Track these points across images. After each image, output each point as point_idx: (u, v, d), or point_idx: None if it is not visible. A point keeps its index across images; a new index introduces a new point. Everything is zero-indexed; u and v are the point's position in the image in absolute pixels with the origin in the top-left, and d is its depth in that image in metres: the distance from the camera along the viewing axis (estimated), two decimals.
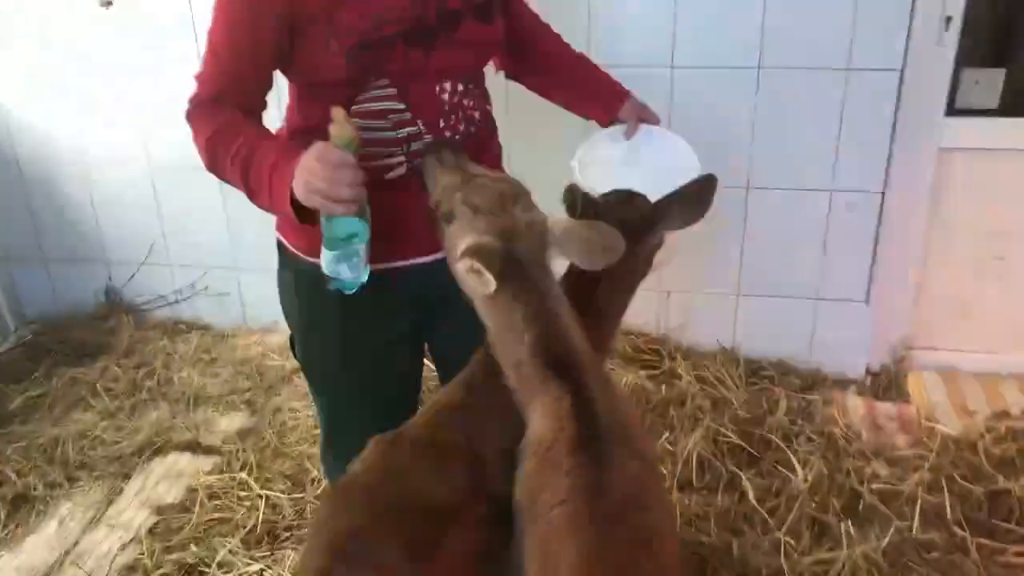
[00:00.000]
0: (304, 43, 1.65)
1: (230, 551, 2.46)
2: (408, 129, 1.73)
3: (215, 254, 3.55)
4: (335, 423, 2.03)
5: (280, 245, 1.92)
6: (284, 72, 1.74)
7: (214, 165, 1.67)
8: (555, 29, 2.13)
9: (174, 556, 2.50)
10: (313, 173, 1.49)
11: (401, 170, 1.76)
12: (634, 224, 1.70)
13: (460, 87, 1.78)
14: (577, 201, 1.73)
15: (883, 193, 2.99)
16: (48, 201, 3.58)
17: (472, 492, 1.55)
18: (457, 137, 1.78)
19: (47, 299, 3.74)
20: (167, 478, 2.83)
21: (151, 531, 2.62)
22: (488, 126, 1.91)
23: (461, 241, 1.46)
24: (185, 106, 1.69)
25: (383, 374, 1.94)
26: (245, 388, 3.26)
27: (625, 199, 1.76)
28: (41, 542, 2.61)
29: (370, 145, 1.69)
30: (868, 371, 3.25)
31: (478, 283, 1.41)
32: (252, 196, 1.65)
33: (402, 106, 1.72)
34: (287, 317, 1.99)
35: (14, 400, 3.19)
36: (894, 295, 3.15)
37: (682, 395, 3.00)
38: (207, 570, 2.43)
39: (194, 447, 2.96)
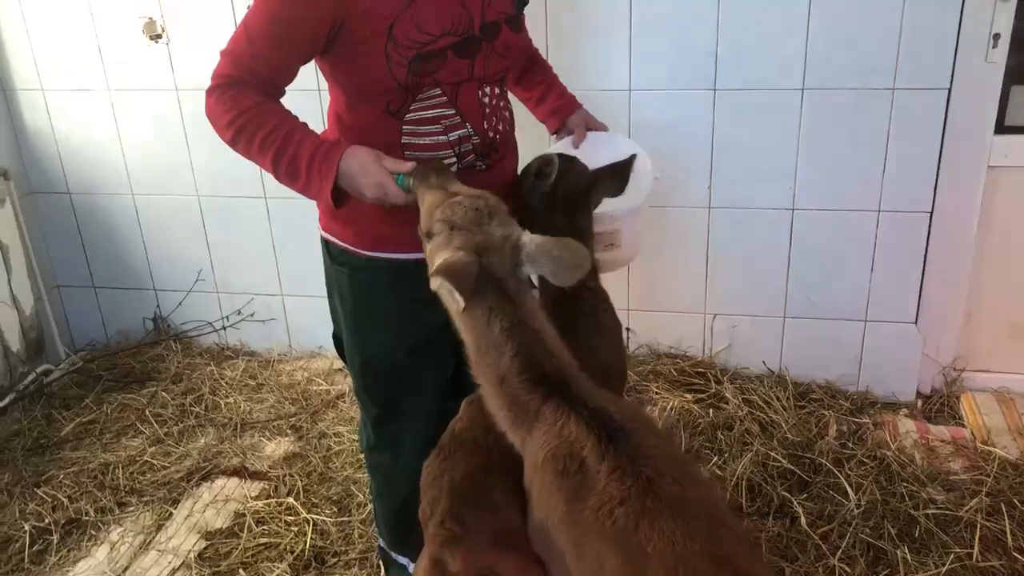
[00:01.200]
0: (361, 52, 1.73)
1: None
2: (459, 132, 1.87)
3: (261, 281, 3.59)
4: (390, 413, 2.09)
5: (328, 244, 1.99)
6: (333, 79, 1.83)
7: (235, 143, 1.75)
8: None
9: None
10: (366, 190, 1.70)
11: (453, 168, 1.88)
12: (576, 187, 2.04)
13: (497, 91, 1.94)
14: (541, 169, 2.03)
15: (931, 212, 2.94)
16: (97, 229, 3.64)
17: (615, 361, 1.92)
18: (497, 136, 1.94)
19: (96, 326, 3.80)
20: (215, 503, 2.84)
21: (200, 556, 2.63)
22: (513, 124, 2.07)
23: (437, 258, 1.52)
24: (209, 81, 1.75)
25: (439, 357, 2.02)
26: (291, 413, 3.27)
27: (569, 161, 2.05)
28: (93, 567, 2.63)
29: (425, 149, 1.85)
30: (919, 394, 3.20)
31: (449, 301, 1.48)
32: (282, 180, 1.77)
33: (452, 111, 1.85)
34: (338, 315, 2.06)
35: (66, 426, 3.24)
36: (944, 316, 3.10)
37: (730, 419, 2.96)
38: None
39: (241, 472, 2.98)
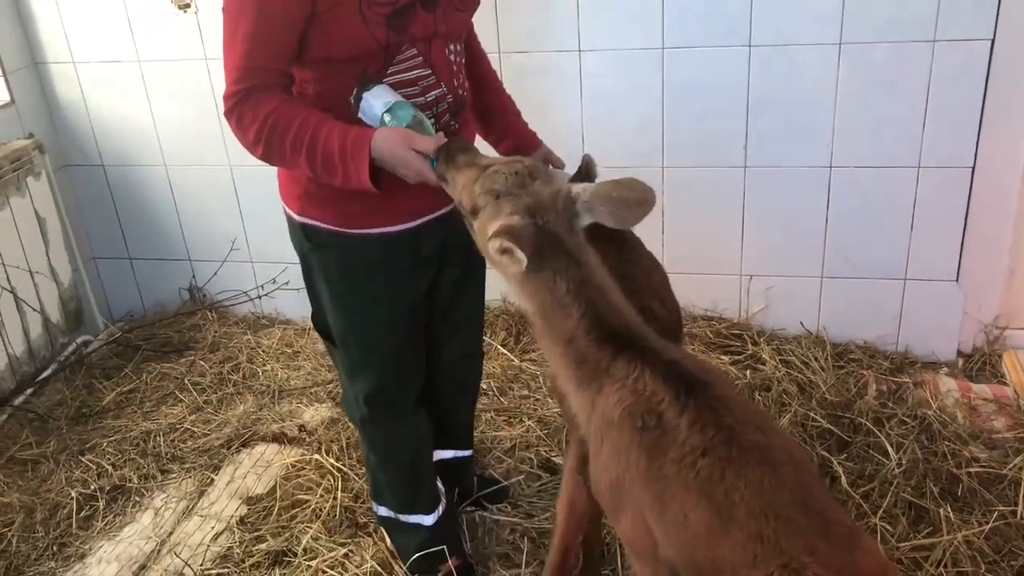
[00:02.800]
0: (336, 16, 1.70)
1: (312, 537, 2.50)
2: (435, 92, 1.87)
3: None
4: (391, 382, 2.13)
5: (305, 228, 1.98)
6: (301, 56, 1.77)
7: (269, 154, 1.75)
8: None
9: (263, 545, 2.54)
10: (407, 179, 1.72)
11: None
12: None
13: (459, 47, 1.93)
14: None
15: (973, 168, 2.88)
16: (131, 201, 3.66)
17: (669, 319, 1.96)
18: (465, 93, 1.95)
19: (133, 298, 3.84)
20: (255, 469, 2.88)
21: (242, 521, 2.66)
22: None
23: (489, 228, 1.48)
24: (223, 105, 1.74)
25: (417, 322, 2.10)
26: (328, 380, 3.29)
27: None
28: (138, 532, 2.67)
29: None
30: (960, 353, 3.16)
31: (511, 262, 1.45)
32: (323, 178, 1.76)
33: (428, 71, 1.85)
34: (322, 296, 2.08)
35: (107, 396, 3.28)
36: (986, 274, 3.04)
37: (767, 380, 2.94)
38: (293, 559, 2.47)
39: (280, 439, 3.01)
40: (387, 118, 1.72)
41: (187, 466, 2.92)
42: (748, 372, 2.98)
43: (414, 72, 1.82)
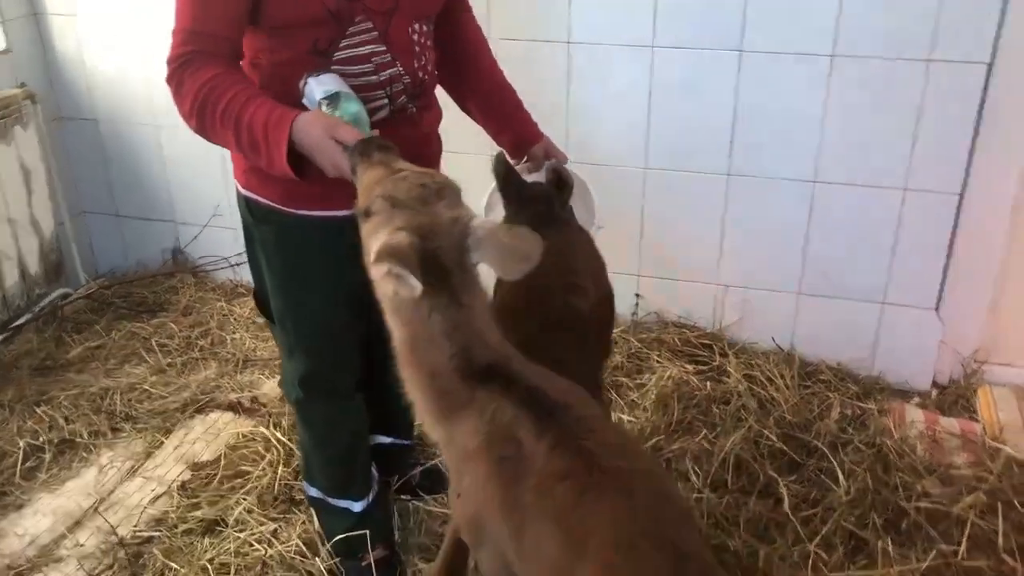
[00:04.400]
0: None
1: (246, 509, 2.48)
2: (390, 71, 1.80)
3: None
4: (325, 365, 2.10)
5: (249, 202, 1.95)
6: (254, 21, 1.73)
7: (202, 127, 1.68)
8: None
9: (199, 512, 2.53)
10: (324, 169, 1.60)
11: (385, 112, 1.82)
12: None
13: (425, 27, 1.86)
14: (506, 172, 2.04)
15: (961, 195, 2.79)
16: (122, 158, 3.67)
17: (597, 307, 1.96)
18: (426, 77, 1.87)
19: (118, 255, 3.85)
20: (205, 436, 2.87)
21: (183, 486, 2.66)
22: (435, 72, 1.97)
23: (374, 240, 1.36)
24: (165, 69, 1.69)
25: (359, 309, 2.00)
26: None
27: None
28: (79, 487, 2.68)
29: (355, 90, 1.73)
30: (935, 383, 3.07)
31: (399, 287, 1.30)
32: (248, 158, 1.68)
33: (383, 48, 1.77)
34: (262, 272, 2.05)
35: (73, 350, 3.29)
36: (968, 304, 2.95)
37: (728, 393, 2.88)
38: (224, 529, 2.46)
39: (235, 408, 3.00)
40: (324, 106, 1.63)
41: (139, 427, 2.92)
42: (709, 383, 2.92)
43: (367, 47, 1.76)
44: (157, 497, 2.63)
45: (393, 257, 1.27)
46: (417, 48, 1.84)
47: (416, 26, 1.83)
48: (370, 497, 2.33)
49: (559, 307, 1.85)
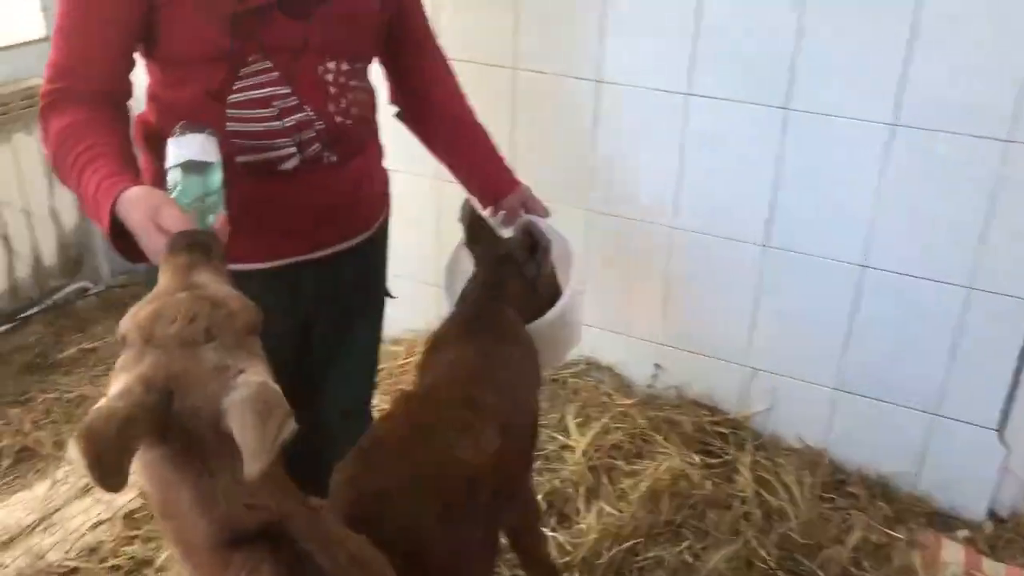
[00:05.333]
0: (169, 16, 1.46)
1: (172, 555, 2.31)
2: (296, 116, 1.57)
3: None
4: None
5: None
6: (145, 54, 1.54)
7: (59, 173, 1.46)
8: None
9: (132, 548, 2.38)
10: (140, 238, 1.29)
11: (293, 161, 1.59)
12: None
13: (345, 66, 1.61)
14: (472, 223, 1.87)
15: None
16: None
17: (499, 455, 1.51)
18: (347, 121, 1.63)
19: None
20: None
21: (128, 515, 2.51)
22: (374, 110, 1.76)
23: (113, 384, 1.02)
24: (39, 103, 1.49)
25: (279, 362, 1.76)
26: None
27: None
28: (26, 501, 2.57)
29: (255, 138, 1.55)
30: (993, 514, 2.60)
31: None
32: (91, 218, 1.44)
33: (287, 90, 1.55)
34: None
35: (68, 349, 3.22)
36: None
37: (732, 497, 2.51)
38: (147, 570, 2.29)
39: None
40: (173, 177, 1.34)
41: None
42: (712, 482, 2.55)
43: (266, 90, 1.54)
44: (99, 523, 2.49)
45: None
46: (333, 90, 1.60)
47: (331, 65, 1.59)
48: None
49: (437, 458, 1.47)
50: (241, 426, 0.95)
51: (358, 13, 1.61)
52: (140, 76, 1.58)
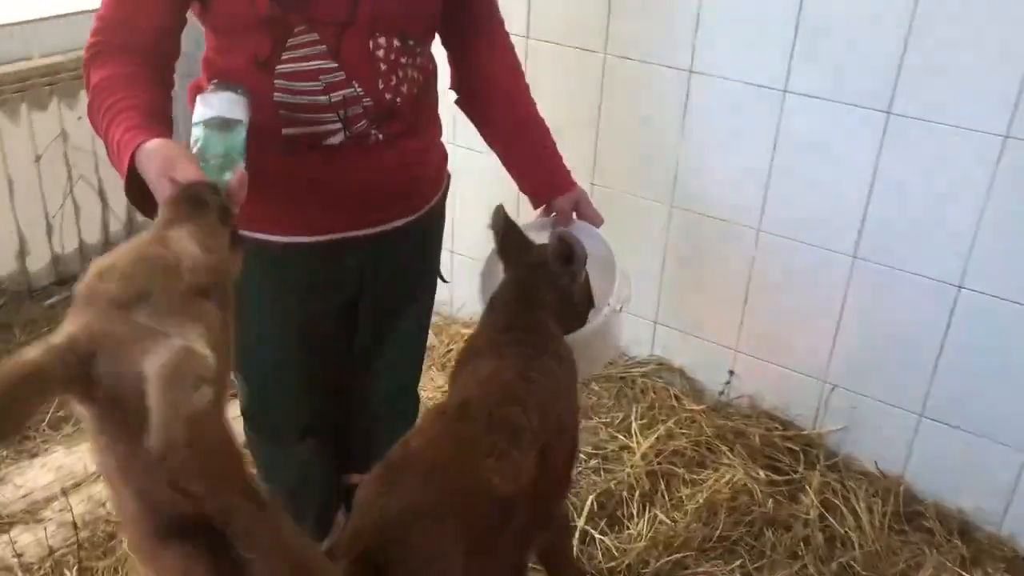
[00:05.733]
0: None
1: None
2: (343, 92, 1.53)
3: None
4: (257, 398, 1.88)
5: None
6: (200, 15, 1.52)
7: (92, 122, 1.45)
8: None
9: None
10: (154, 191, 1.27)
11: (339, 137, 1.56)
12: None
13: (397, 43, 1.56)
14: (505, 229, 1.78)
15: None
16: None
17: (536, 482, 1.44)
18: (398, 100, 1.59)
19: None
20: None
21: None
22: (429, 89, 1.70)
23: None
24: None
25: (310, 347, 1.80)
26: None
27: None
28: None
29: (301, 110, 1.53)
30: None
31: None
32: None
33: (334, 65, 1.51)
34: None
35: None
36: None
37: (794, 518, 2.39)
38: None
39: None
40: (196, 133, 1.34)
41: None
42: (774, 500, 2.43)
43: (313, 63, 1.51)
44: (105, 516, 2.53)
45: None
46: (384, 67, 1.55)
47: (381, 41, 1.54)
48: (326, 544, 2.09)
49: (468, 485, 1.38)
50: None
51: None
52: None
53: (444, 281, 1.96)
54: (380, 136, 1.59)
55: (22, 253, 3.12)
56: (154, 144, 1.27)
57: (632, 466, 2.55)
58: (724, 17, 2.42)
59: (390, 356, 1.94)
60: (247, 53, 1.51)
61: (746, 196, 2.56)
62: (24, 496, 2.47)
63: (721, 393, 2.81)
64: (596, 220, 1.90)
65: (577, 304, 1.83)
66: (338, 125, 1.55)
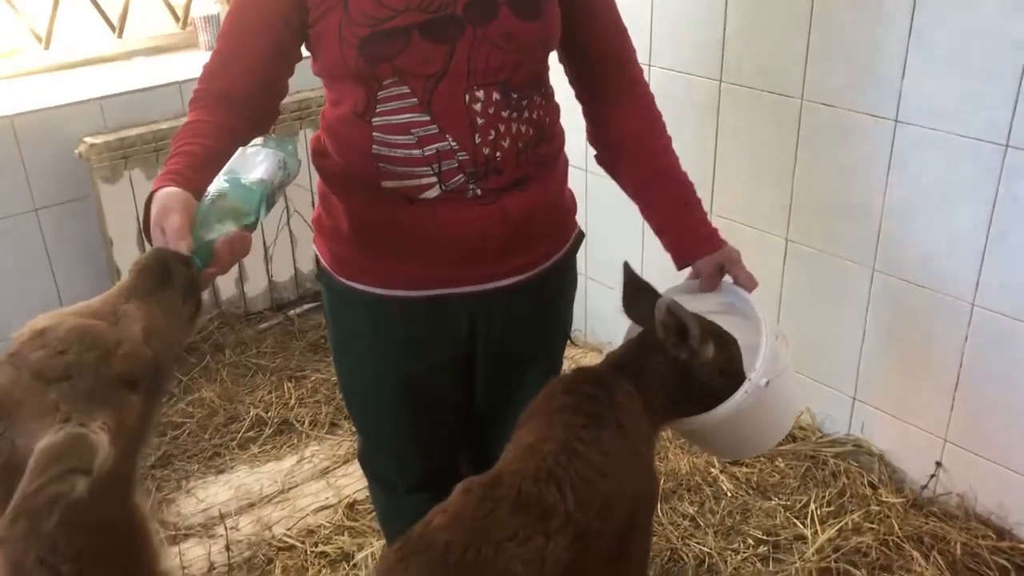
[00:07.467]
0: (318, 32, 1.46)
1: (373, 553, 2.35)
2: (436, 145, 1.47)
3: None
4: (370, 447, 1.91)
5: (316, 258, 1.75)
6: (313, 70, 1.56)
7: None
8: None
9: (342, 538, 2.47)
10: (152, 230, 1.31)
11: (435, 191, 1.50)
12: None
13: (497, 96, 1.47)
14: (630, 286, 1.66)
15: None
16: None
17: (571, 570, 1.32)
18: (498, 155, 1.50)
19: None
20: None
21: (351, 505, 2.60)
22: (541, 141, 1.57)
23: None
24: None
25: (420, 403, 1.74)
26: None
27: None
28: (273, 472, 2.76)
29: (396, 163, 1.50)
30: None
31: None
32: None
33: (426, 118, 1.46)
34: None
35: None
36: None
37: None
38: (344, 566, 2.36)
39: None
40: (217, 183, 1.36)
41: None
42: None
43: (405, 116, 1.47)
44: (323, 508, 2.63)
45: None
46: (481, 120, 1.47)
47: (479, 94, 1.46)
48: None
49: (486, 571, 1.27)
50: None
51: (518, 37, 1.47)
52: None
53: (572, 342, 1.85)
54: (478, 191, 1.52)
55: (241, 279, 3.36)
56: (164, 191, 1.32)
57: (804, 560, 2.27)
58: (935, 60, 2.11)
59: (511, 416, 1.85)
60: (349, 104, 1.51)
61: (959, 264, 2.21)
62: (204, 510, 2.63)
63: (924, 487, 2.44)
64: (749, 284, 1.71)
65: (708, 381, 1.63)
66: (433, 179, 1.50)
